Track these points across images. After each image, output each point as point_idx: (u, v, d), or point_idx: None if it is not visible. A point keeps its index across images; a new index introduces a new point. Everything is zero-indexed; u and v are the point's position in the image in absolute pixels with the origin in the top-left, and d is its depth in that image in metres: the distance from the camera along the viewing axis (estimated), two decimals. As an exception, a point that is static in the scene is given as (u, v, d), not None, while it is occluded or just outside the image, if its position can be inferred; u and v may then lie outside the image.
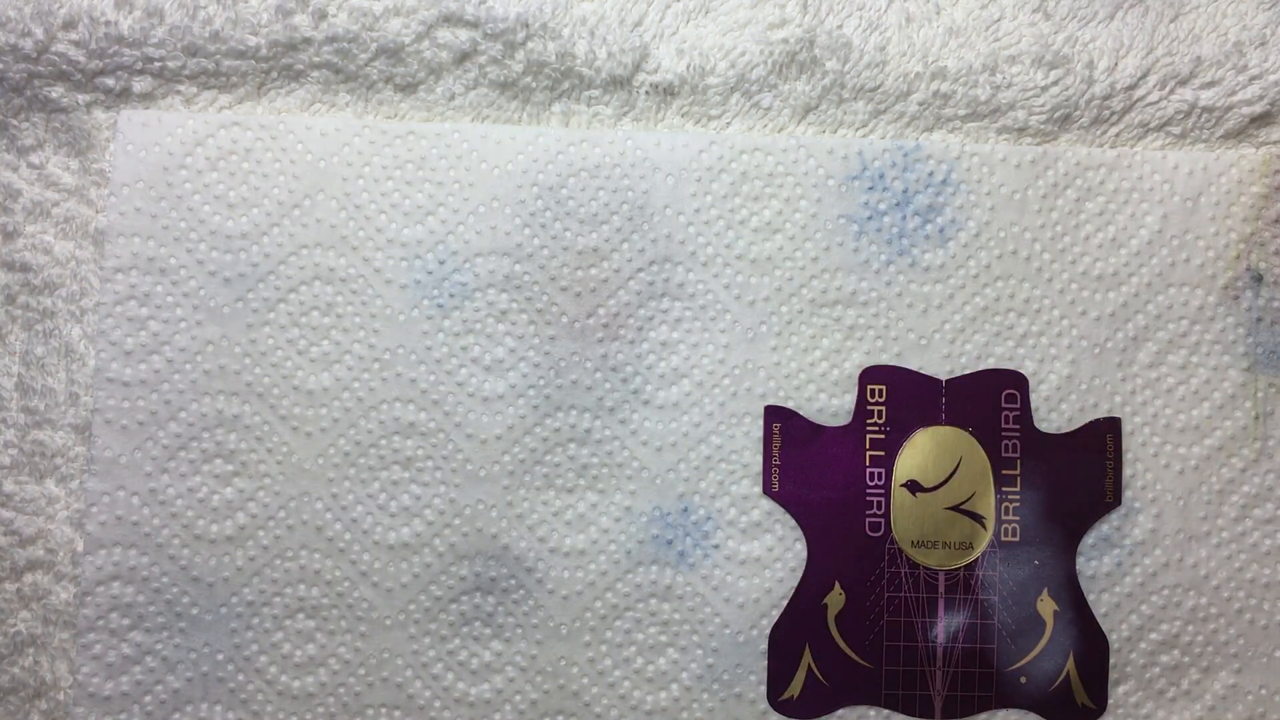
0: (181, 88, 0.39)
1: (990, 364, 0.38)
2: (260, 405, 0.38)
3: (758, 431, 0.38)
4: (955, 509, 0.38)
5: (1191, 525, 0.38)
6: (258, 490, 0.38)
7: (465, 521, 0.38)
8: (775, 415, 0.38)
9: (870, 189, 0.39)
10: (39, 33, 0.38)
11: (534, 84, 0.39)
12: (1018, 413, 0.38)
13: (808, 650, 0.38)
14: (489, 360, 0.38)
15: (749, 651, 0.38)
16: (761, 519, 0.38)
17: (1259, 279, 0.39)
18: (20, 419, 0.38)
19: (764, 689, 0.38)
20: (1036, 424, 0.38)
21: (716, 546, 0.38)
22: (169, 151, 0.38)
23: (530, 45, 0.38)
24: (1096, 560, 0.38)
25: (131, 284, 0.38)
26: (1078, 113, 0.39)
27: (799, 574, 0.38)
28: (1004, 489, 0.38)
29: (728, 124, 0.39)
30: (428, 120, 0.39)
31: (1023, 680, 0.38)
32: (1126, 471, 0.38)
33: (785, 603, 0.38)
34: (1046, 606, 0.38)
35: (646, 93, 0.39)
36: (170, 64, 0.38)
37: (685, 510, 0.38)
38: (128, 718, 0.37)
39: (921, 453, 0.38)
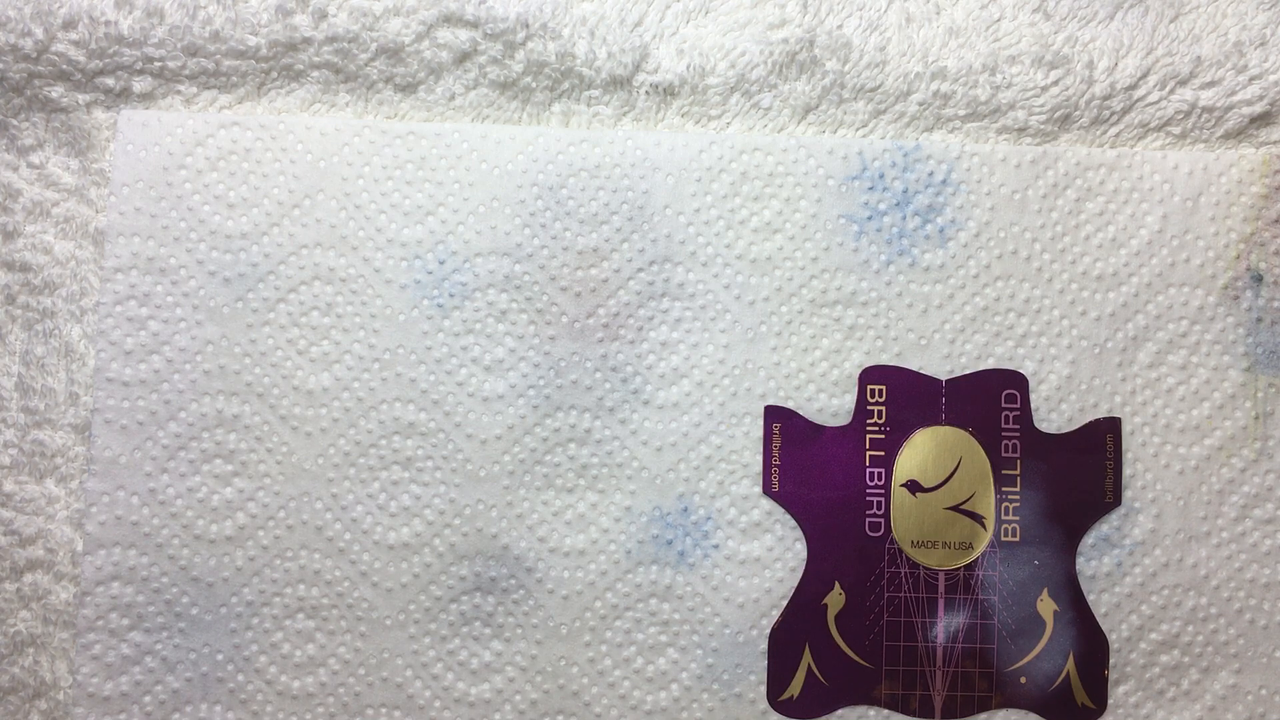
0: (181, 88, 0.39)
1: (990, 364, 0.38)
2: (260, 405, 0.38)
3: (758, 431, 0.38)
4: (955, 509, 0.38)
5: (1191, 525, 0.38)
6: (258, 490, 0.38)
7: (465, 521, 0.38)
8: (775, 415, 0.38)
9: (870, 189, 0.39)
10: (39, 33, 0.38)
11: (534, 84, 0.39)
12: (1018, 413, 0.38)
13: (808, 650, 0.38)
14: (489, 360, 0.38)
15: (749, 651, 0.38)
16: (761, 519, 0.38)
17: (1259, 279, 0.39)
18: (20, 419, 0.38)
19: (764, 689, 0.38)
20: (1036, 424, 0.38)
21: (716, 546, 0.38)
22: (169, 151, 0.38)
23: (530, 45, 0.39)
24: (1096, 560, 0.38)
25: (131, 284, 0.38)
26: (1078, 113, 0.39)
27: (799, 574, 0.38)
28: (1004, 489, 0.38)
29: (728, 124, 0.39)
30: (428, 120, 0.39)
31: (1023, 680, 0.38)
32: (1126, 471, 0.38)
33: (785, 603, 0.38)
34: (1046, 606, 0.38)
35: (646, 93, 0.39)
36: (170, 64, 0.38)
37: (685, 510, 0.38)
38: (127, 718, 0.37)
39: (921, 453, 0.38)
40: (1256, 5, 0.40)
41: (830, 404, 0.38)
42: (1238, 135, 0.39)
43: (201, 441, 0.38)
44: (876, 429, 0.38)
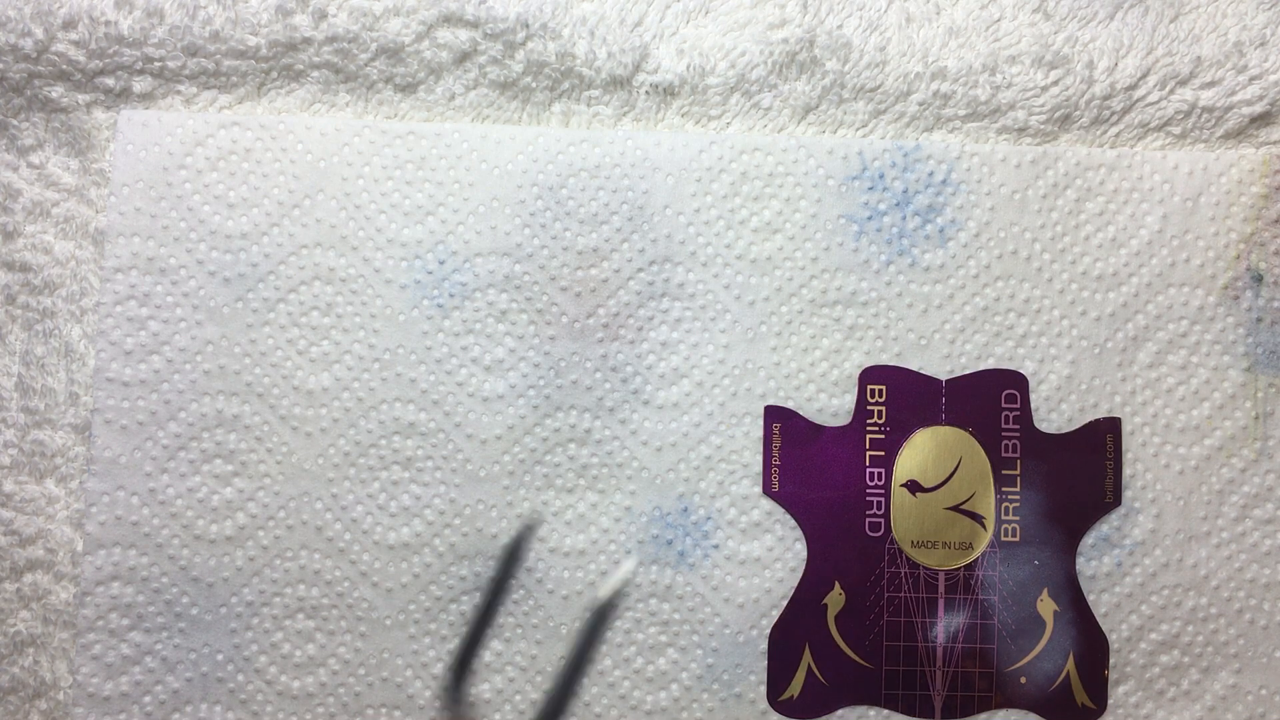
0: (181, 88, 0.39)
1: (990, 364, 0.38)
2: (260, 405, 0.38)
3: (758, 431, 0.38)
4: (955, 509, 0.38)
5: (1191, 525, 0.38)
6: (258, 490, 0.38)
7: (465, 521, 0.38)
8: (775, 415, 0.38)
9: (870, 189, 0.39)
10: (39, 33, 0.38)
11: (534, 84, 0.39)
12: (1018, 413, 0.38)
13: (808, 650, 0.38)
14: (489, 360, 0.38)
15: (749, 651, 0.38)
16: (761, 519, 0.38)
17: (1259, 279, 0.39)
18: (20, 419, 0.38)
19: (764, 689, 0.38)
20: (1036, 424, 0.38)
21: (716, 546, 0.38)
22: (169, 151, 0.38)
23: (530, 45, 0.39)
24: (1096, 560, 0.38)
25: (131, 284, 0.38)
26: (1078, 113, 0.39)
27: (799, 574, 0.38)
28: (1004, 489, 0.38)
29: (728, 124, 0.39)
30: (428, 120, 0.39)
31: (1023, 680, 0.38)
32: (1126, 471, 0.38)
33: (785, 603, 0.38)
34: (1046, 606, 0.38)
35: (646, 93, 0.39)
36: (170, 64, 0.38)
37: (685, 510, 0.38)
38: (127, 718, 0.37)
39: (921, 453, 0.38)
40: (1256, 5, 0.40)
41: (830, 404, 0.38)
42: (1238, 135, 0.39)
43: (201, 441, 0.38)
44: (876, 429, 0.38)
